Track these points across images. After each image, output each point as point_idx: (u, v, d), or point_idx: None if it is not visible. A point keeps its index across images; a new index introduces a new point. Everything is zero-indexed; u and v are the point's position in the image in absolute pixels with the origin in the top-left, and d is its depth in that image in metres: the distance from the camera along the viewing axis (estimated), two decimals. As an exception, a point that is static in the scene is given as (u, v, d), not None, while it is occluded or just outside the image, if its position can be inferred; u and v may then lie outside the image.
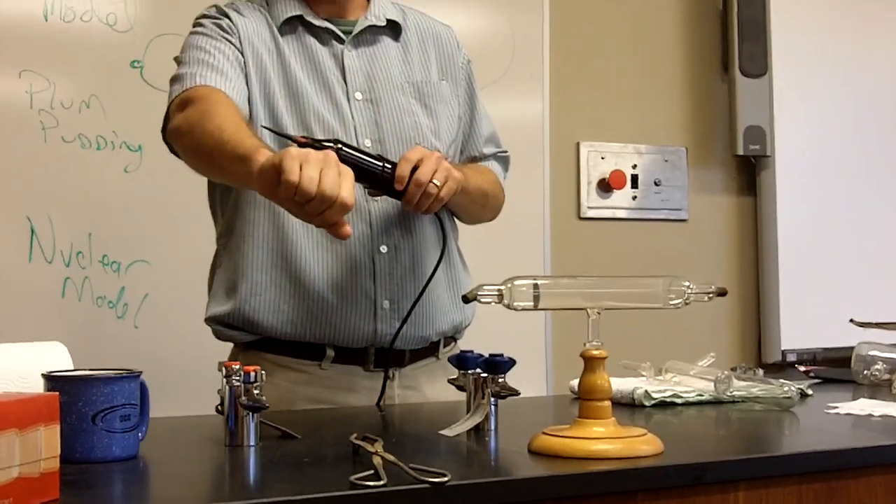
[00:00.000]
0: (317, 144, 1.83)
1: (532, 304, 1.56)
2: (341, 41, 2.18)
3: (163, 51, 2.91)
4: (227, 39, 2.10)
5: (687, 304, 1.61)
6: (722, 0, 3.99)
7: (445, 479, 1.30)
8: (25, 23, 2.85)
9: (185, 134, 1.96)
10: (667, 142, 3.93)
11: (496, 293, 1.55)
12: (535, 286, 1.56)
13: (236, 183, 2.01)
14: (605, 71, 3.84)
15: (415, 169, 1.93)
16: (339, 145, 1.87)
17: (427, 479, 1.30)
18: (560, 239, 3.63)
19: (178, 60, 2.11)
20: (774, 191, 3.95)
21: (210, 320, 2.15)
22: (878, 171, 4.15)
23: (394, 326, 2.10)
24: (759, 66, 3.89)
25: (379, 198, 2.06)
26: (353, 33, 2.18)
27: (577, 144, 3.77)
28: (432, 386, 2.19)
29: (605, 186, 3.80)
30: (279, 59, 2.13)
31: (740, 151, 3.90)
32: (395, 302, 2.11)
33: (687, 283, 1.61)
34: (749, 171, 4.05)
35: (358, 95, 2.15)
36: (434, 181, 1.94)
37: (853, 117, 4.11)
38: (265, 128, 2.01)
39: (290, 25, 2.16)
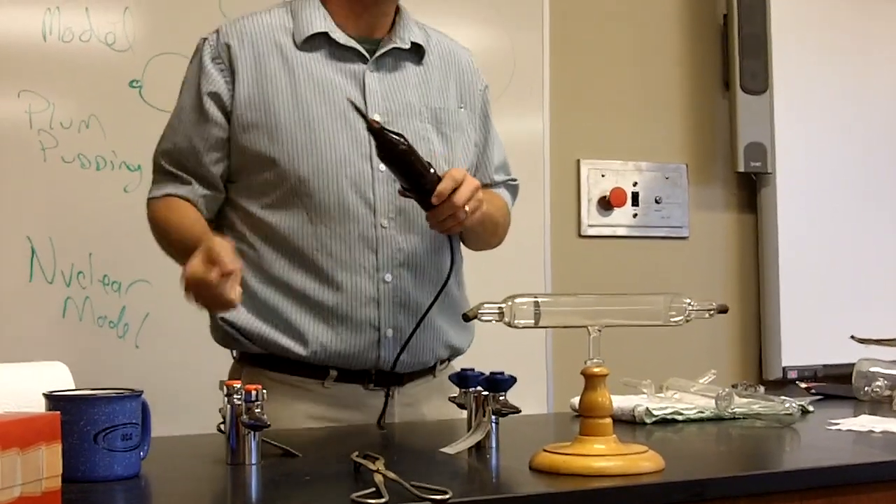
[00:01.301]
0: (385, 134, 1.90)
1: (533, 321, 1.57)
2: (364, 60, 2.16)
3: (162, 70, 2.92)
4: (213, 98, 2.12)
5: (688, 321, 1.62)
6: (723, 17, 3.99)
7: (447, 496, 1.30)
8: (24, 43, 2.85)
9: (158, 240, 2.18)
10: (667, 159, 3.94)
11: (497, 311, 1.55)
12: (536, 304, 1.56)
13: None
14: (605, 88, 3.84)
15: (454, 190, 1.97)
16: (402, 139, 1.91)
17: (429, 496, 1.30)
18: (560, 257, 3.63)
19: (169, 126, 2.19)
20: (775, 207, 3.95)
21: (224, 321, 2.14)
22: (879, 188, 4.15)
23: (396, 353, 2.11)
24: (759, 82, 3.89)
25: (386, 226, 2.09)
26: (377, 54, 2.16)
27: (578, 162, 3.78)
28: (430, 403, 2.20)
29: (606, 204, 3.80)
30: (289, 78, 2.11)
31: (741, 168, 3.89)
32: (398, 330, 2.12)
33: (688, 301, 1.61)
34: (750, 188, 4.05)
35: (376, 117, 2.09)
36: (466, 208, 1.97)
37: (854, 134, 4.11)
38: (350, 101, 2.02)
39: (312, 42, 2.14)
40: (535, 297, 1.57)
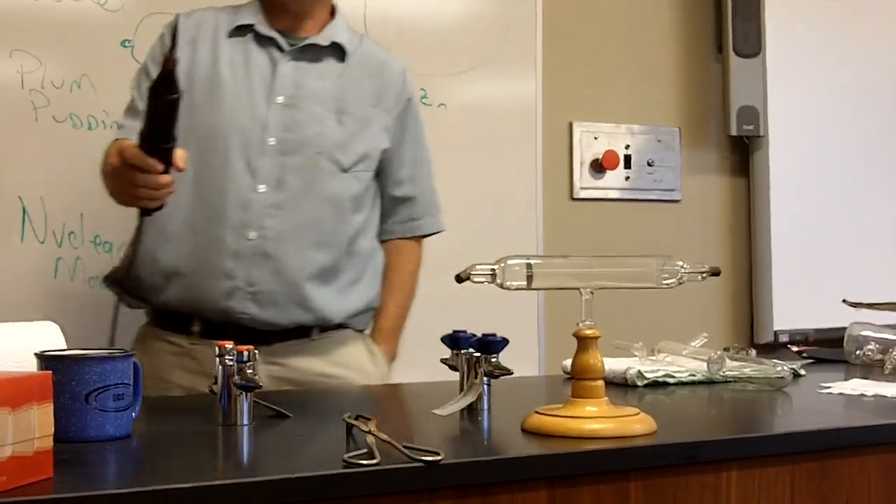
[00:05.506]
0: (174, 74, 1.93)
1: (525, 283, 1.56)
2: (282, 51, 2.32)
3: (153, 30, 2.88)
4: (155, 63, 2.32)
5: (680, 283, 1.61)
6: (715, -21, 3.99)
7: (439, 457, 1.30)
8: (16, 2, 2.83)
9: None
10: (660, 122, 3.93)
11: (489, 272, 1.54)
12: (529, 266, 1.56)
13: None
14: (598, 51, 3.83)
15: None
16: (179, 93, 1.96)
17: (420, 457, 1.30)
18: (553, 220, 3.62)
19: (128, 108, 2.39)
20: (768, 171, 3.95)
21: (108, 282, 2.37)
22: (872, 152, 4.14)
23: (248, 308, 2.21)
24: (752, 45, 3.88)
25: (262, 191, 2.23)
26: (295, 47, 2.34)
27: (570, 125, 3.77)
28: (302, 365, 2.29)
29: (598, 167, 3.79)
30: (212, 60, 2.31)
31: (734, 132, 3.89)
32: (254, 285, 2.22)
33: (680, 263, 1.61)
34: (742, 152, 4.04)
35: (279, 99, 2.29)
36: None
37: (847, 97, 4.10)
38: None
39: (240, 31, 2.34)
40: (528, 259, 1.57)
